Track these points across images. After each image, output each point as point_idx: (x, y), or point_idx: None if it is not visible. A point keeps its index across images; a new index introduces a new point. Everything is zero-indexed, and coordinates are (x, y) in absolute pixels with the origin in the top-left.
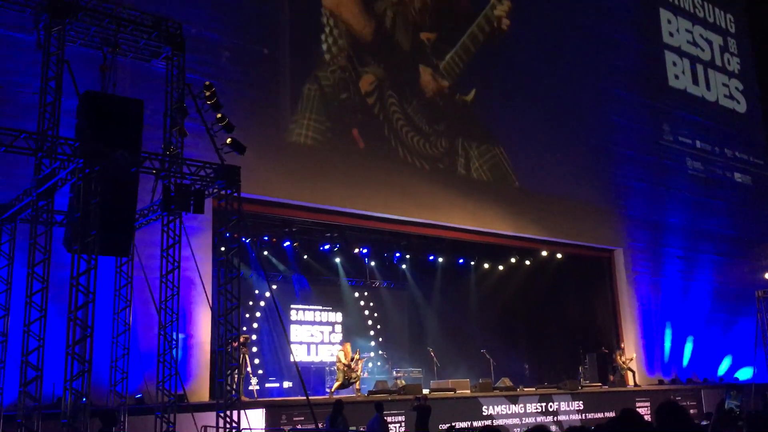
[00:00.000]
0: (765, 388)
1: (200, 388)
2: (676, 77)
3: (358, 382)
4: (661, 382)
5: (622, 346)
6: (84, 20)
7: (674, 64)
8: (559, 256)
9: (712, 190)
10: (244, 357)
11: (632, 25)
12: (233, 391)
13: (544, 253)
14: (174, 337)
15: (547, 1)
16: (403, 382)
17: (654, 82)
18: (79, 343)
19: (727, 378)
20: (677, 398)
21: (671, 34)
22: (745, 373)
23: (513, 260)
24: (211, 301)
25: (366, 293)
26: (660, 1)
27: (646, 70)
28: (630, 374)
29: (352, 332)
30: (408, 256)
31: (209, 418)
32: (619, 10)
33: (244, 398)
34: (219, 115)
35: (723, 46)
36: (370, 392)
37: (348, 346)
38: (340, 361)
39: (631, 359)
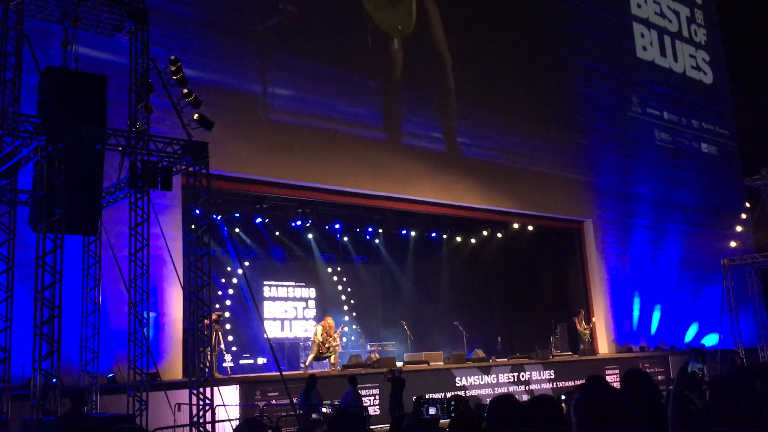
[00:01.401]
0: (733, 353)
1: (173, 366)
2: (644, 49)
3: (334, 356)
4: (629, 350)
5: (581, 312)
6: None
7: (642, 35)
8: (530, 228)
9: (679, 160)
10: (217, 334)
11: None
12: (206, 368)
13: (516, 226)
14: (145, 315)
15: None
16: (377, 355)
17: (622, 53)
18: (47, 323)
19: (694, 345)
20: (646, 365)
21: (639, 6)
22: (711, 340)
23: (485, 233)
24: (182, 279)
25: (339, 268)
26: None
27: (615, 42)
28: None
29: (326, 307)
30: (381, 231)
31: (182, 395)
32: None
33: (217, 375)
34: (185, 91)
35: (690, 17)
36: (344, 366)
37: (330, 319)
38: (316, 335)
39: (590, 326)
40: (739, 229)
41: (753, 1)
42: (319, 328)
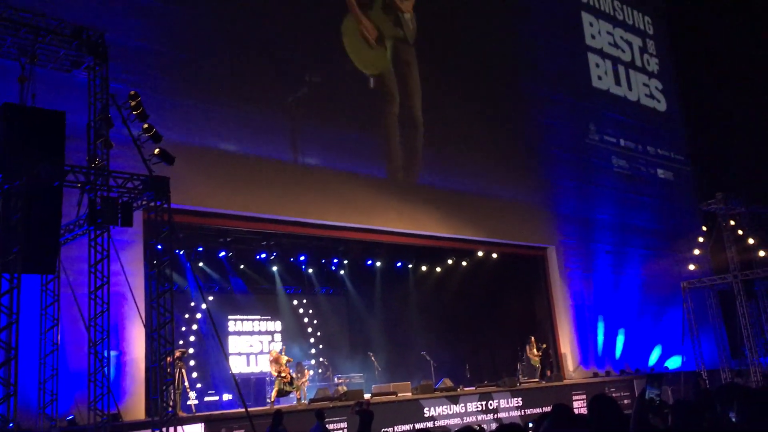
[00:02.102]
0: (696, 375)
1: (136, 406)
2: (600, 78)
3: (299, 392)
4: (595, 375)
5: (531, 338)
6: None
7: (597, 65)
8: (494, 255)
9: (637, 186)
10: (180, 371)
11: (557, 28)
12: (169, 407)
13: (480, 254)
14: (105, 354)
15: (474, 5)
16: (345, 388)
17: (579, 83)
18: (3, 365)
19: (658, 367)
20: (611, 390)
21: (593, 36)
22: (674, 362)
23: (450, 262)
24: (143, 316)
25: (305, 301)
26: (582, 5)
27: (571, 72)
28: (540, 368)
29: (292, 341)
30: (346, 262)
31: None
32: (543, 14)
33: (181, 413)
34: (146, 125)
35: (642, 47)
36: (311, 400)
37: (274, 352)
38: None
39: (540, 353)
40: (696, 252)
41: (703, 30)
42: (272, 366)
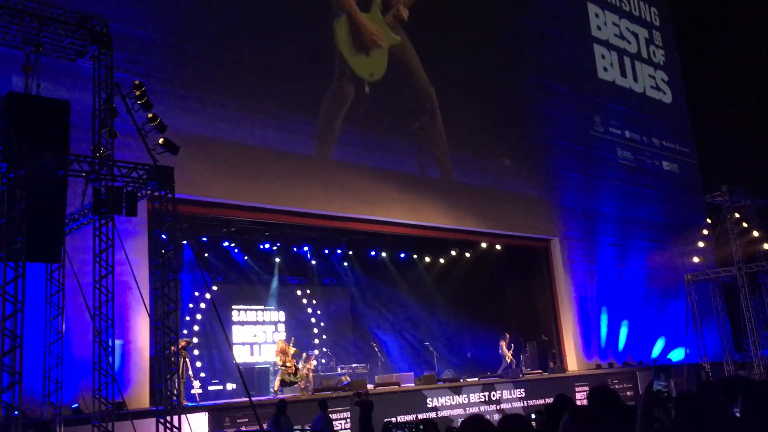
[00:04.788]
0: (698, 368)
1: (140, 395)
2: (605, 69)
3: (303, 382)
4: (598, 366)
5: (507, 335)
6: (3, 19)
7: (603, 56)
8: (498, 247)
9: (641, 178)
10: (184, 361)
11: (562, 19)
12: (173, 396)
13: (484, 245)
14: (110, 343)
15: None
16: (348, 378)
17: (584, 74)
18: (8, 354)
19: (661, 359)
20: (614, 381)
21: (599, 28)
22: (677, 354)
23: (453, 253)
24: (148, 306)
25: (308, 291)
26: None
27: (577, 63)
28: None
29: (295, 331)
30: (350, 253)
31: (150, 424)
32: (549, 5)
33: (185, 402)
34: (150, 115)
35: (648, 38)
36: (315, 390)
37: (281, 342)
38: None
39: (510, 352)
40: (701, 244)
41: (709, 21)
42: (277, 357)
